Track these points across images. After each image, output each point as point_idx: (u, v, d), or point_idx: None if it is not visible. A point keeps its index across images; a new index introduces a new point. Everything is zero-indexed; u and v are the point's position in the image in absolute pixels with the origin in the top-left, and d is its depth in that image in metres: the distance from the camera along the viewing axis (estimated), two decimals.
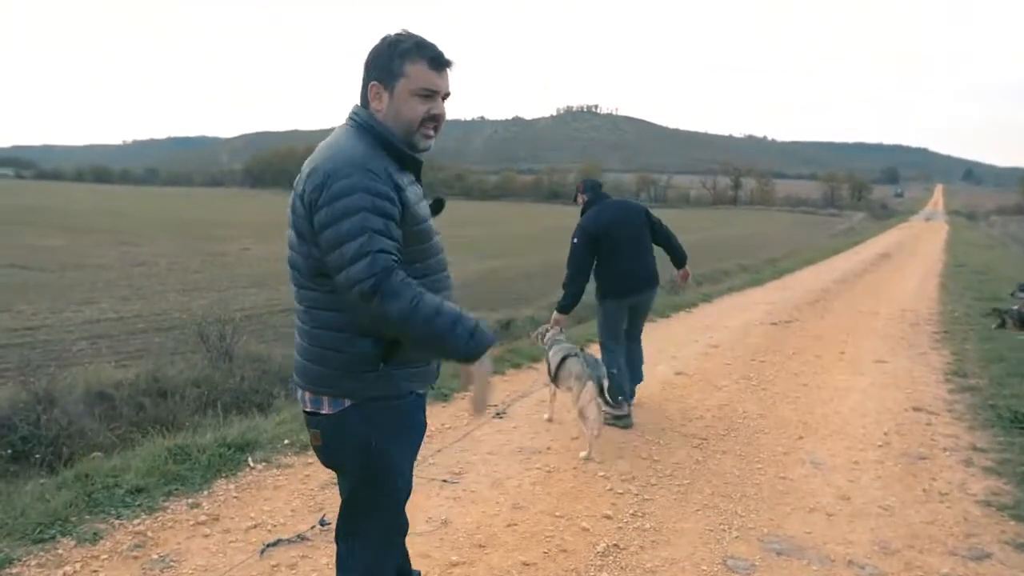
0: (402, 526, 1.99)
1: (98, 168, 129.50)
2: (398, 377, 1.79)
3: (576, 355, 4.28)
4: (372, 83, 1.80)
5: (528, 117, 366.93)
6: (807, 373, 6.18)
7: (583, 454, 4.01)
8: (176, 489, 3.40)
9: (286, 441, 4.06)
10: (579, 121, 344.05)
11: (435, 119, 1.81)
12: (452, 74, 1.83)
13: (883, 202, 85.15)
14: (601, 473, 3.78)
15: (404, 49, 1.77)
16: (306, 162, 1.78)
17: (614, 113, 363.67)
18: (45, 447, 4.94)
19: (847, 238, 32.85)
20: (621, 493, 3.53)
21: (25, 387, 5.25)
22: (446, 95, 1.83)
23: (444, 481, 3.64)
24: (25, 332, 10.42)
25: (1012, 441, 4.37)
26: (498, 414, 4.82)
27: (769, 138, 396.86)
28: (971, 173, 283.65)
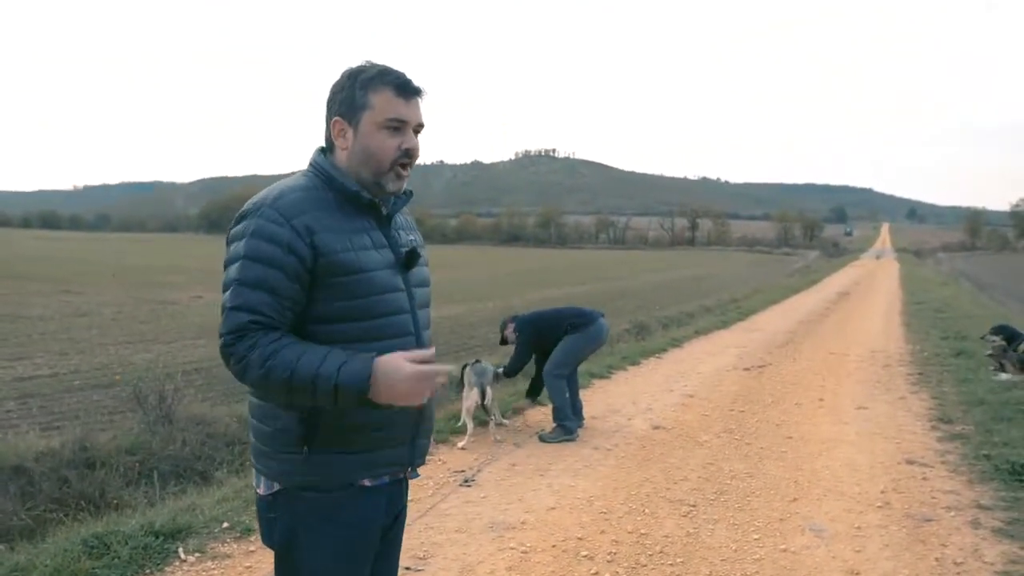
0: None
1: (46, 214, 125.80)
2: (333, 463, 1.53)
3: (471, 365, 5.34)
4: (335, 119, 1.58)
5: (487, 161, 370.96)
6: (789, 424, 5.88)
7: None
8: None
9: (225, 524, 3.55)
10: (537, 165, 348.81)
11: (408, 154, 1.58)
12: (423, 103, 1.61)
13: (834, 240, 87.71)
14: (584, 552, 3.36)
15: (367, 78, 1.55)
16: None
17: (571, 157, 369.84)
18: None
19: (804, 277, 33.37)
20: None
21: None
22: (418, 127, 1.60)
23: (406, 569, 3.18)
24: None
25: (1016, 497, 4.09)
26: (466, 481, 4.38)
27: (722, 179, 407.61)
28: (914, 212, 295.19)
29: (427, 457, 1.74)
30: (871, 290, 23.92)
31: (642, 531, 3.63)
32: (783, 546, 3.46)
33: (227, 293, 1.46)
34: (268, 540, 1.62)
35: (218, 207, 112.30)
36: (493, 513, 3.87)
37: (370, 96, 1.54)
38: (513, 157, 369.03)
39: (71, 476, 5.11)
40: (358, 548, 1.60)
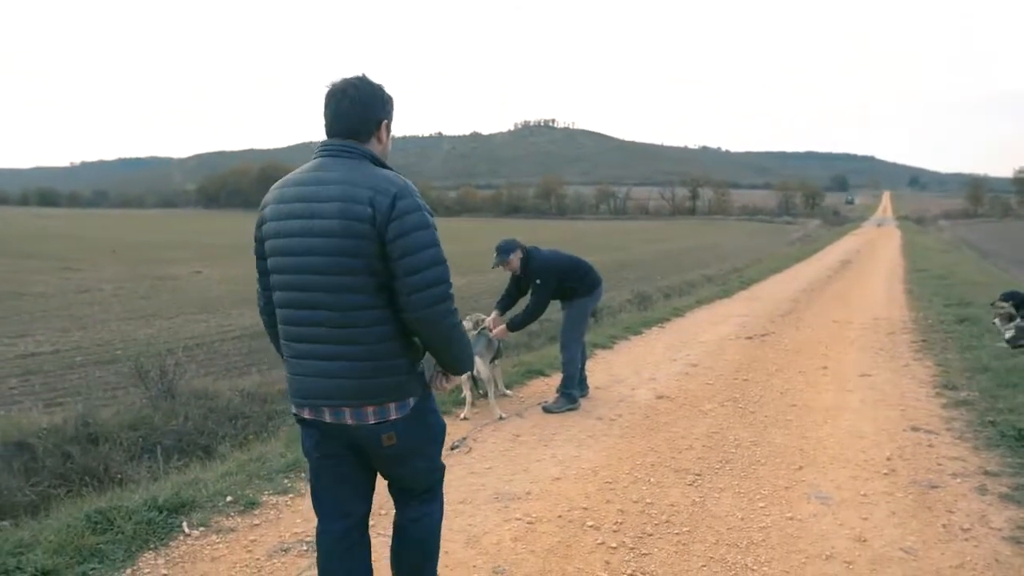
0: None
1: (44, 191, 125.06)
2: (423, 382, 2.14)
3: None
4: (385, 121, 2.08)
5: (486, 132, 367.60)
6: (794, 392, 5.86)
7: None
8: (92, 569, 2.86)
9: (228, 498, 3.54)
10: (536, 135, 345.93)
11: None
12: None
13: (835, 209, 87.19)
14: (590, 522, 3.35)
15: (390, 97, 2.10)
16: (335, 190, 1.92)
17: (571, 127, 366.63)
18: None
19: (806, 245, 33.26)
20: (615, 547, 3.10)
21: None
22: None
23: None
24: None
25: (1022, 462, 4.07)
26: (454, 447, 4.37)
27: (723, 149, 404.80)
28: (916, 179, 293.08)
29: None
30: (873, 258, 23.82)
31: (647, 500, 3.61)
32: (789, 514, 3.45)
33: (434, 250, 1.96)
34: (408, 448, 2.10)
35: (215, 182, 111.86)
36: (498, 484, 3.86)
37: (391, 113, 2.11)
38: (512, 128, 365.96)
39: (74, 452, 5.13)
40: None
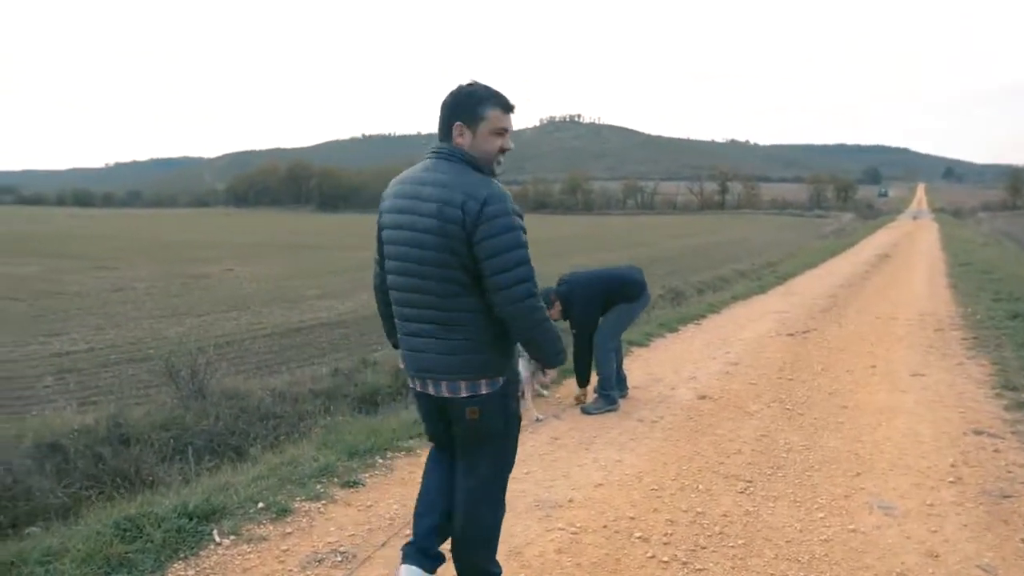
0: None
1: (80, 192, 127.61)
2: (512, 366, 2.38)
3: None
4: (457, 123, 2.23)
5: (512, 128, 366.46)
6: (843, 392, 5.60)
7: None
8: None
9: (260, 505, 3.41)
10: (562, 131, 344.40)
11: (503, 152, 2.29)
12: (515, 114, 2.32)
13: (869, 202, 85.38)
14: (638, 533, 3.16)
15: (483, 97, 2.23)
16: (433, 191, 2.17)
17: (597, 122, 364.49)
18: None
19: (840, 239, 32.53)
20: (666, 561, 2.92)
21: None
22: (510, 131, 2.31)
23: (448, 551, 3.01)
24: None
25: None
26: None
27: (751, 142, 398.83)
28: (951, 171, 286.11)
29: None
30: (911, 252, 23.19)
31: (698, 510, 3.41)
32: (851, 525, 3.23)
33: (520, 251, 2.15)
34: (489, 424, 2.32)
35: (244, 181, 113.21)
36: (538, 490, 3.69)
37: (487, 111, 2.22)
38: (538, 124, 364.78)
39: (106, 453, 5.06)
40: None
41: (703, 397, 5.49)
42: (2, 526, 4.20)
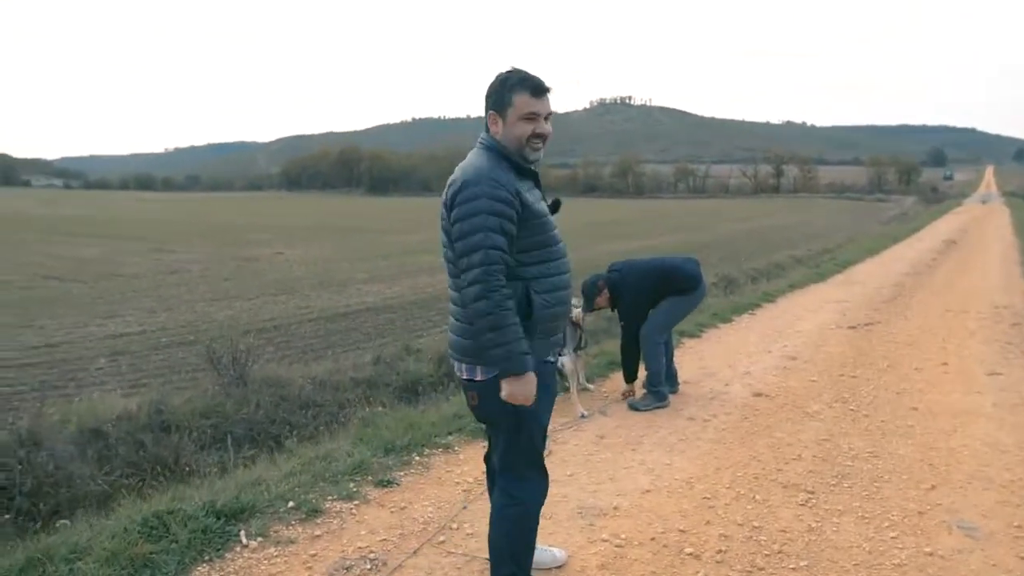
0: (541, 458, 2.47)
1: (141, 176, 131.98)
2: (534, 348, 2.20)
3: None
4: (490, 112, 2.24)
5: (562, 111, 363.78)
6: (912, 392, 5.21)
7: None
8: None
9: (291, 504, 3.28)
10: (613, 113, 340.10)
11: (539, 136, 2.23)
12: (552, 97, 2.24)
13: (933, 185, 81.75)
14: (688, 549, 2.92)
15: (511, 84, 2.19)
16: (450, 177, 2.23)
17: (648, 104, 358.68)
18: (24, 498, 4.29)
19: (902, 224, 31.18)
20: None
21: (5, 427, 4.61)
22: (548, 115, 2.24)
23: (486, 559, 2.82)
24: (46, 350, 9.95)
25: None
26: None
27: (808, 123, 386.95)
28: (1023, 152, 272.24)
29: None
30: (982, 238, 22.01)
31: (754, 523, 3.15)
32: (928, 548, 2.92)
33: (477, 236, 2.09)
34: (487, 412, 2.34)
35: (296, 165, 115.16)
36: (581, 495, 3.47)
37: (515, 97, 2.19)
38: (588, 106, 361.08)
39: (147, 440, 5.04)
40: (550, 405, 2.49)
41: (759, 395, 5.17)
42: (43, 514, 4.19)
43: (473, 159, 2.23)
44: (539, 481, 2.45)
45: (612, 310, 5.26)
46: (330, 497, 3.40)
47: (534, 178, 2.30)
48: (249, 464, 4.59)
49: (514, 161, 2.21)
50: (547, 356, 2.37)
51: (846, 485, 3.56)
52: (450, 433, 4.30)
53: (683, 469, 3.79)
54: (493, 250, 2.08)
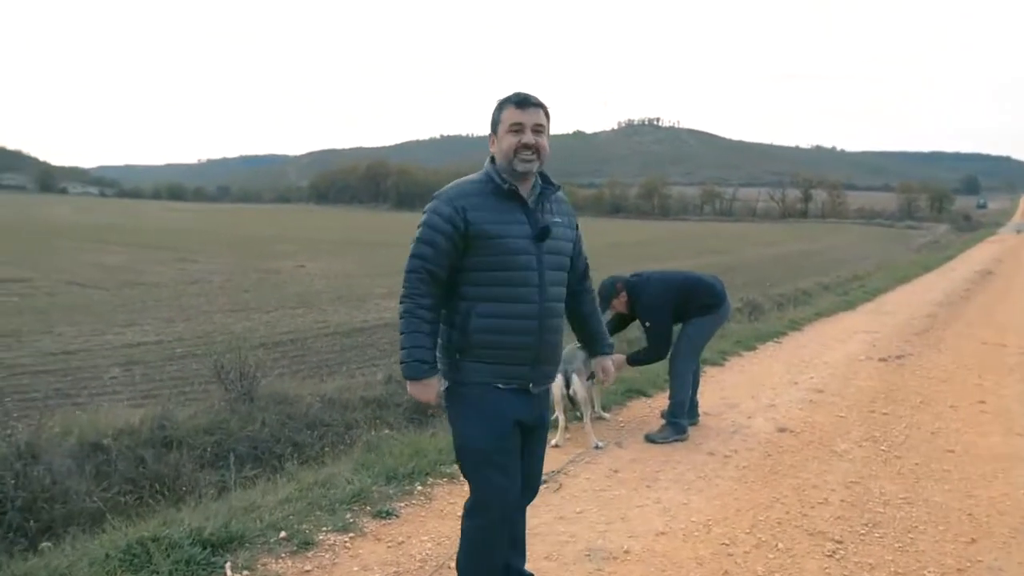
0: (491, 491, 2.31)
1: (174, 186, 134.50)
2: (471, 369, 2.24)
3: (568, 346, 4.42)
4: (490, 135, 2.29)
5: (589, 131, 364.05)
6: (947, 432, 4.92)
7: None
8: None
9: (282, 534, 3.10)
10: (640, 135, 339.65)
11: (526, 147, 2.21)
12: (545, 111, 2.26)
13: (966, 213, 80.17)
14: None
15: (501, 102, 2.26)
16: None
17: (676, 126, 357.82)
18: (17, 513, 4.16)
19: (934, 253, 30.47)
20: None
21: (3, 439, 4.50)
22: (536, 127, 2.22)
23: None
24: (61, 357, 9.95)
25: None
26: (543, 481, 3.80)
27: (838, 148, 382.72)
28: None
29: (548, 382, 2.41)
30: (1018, 268, 21.38)
31: (776, 575, 2.90)
32: None
33: (411, 247, 2.22)
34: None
35: (326, 178, 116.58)
36: (590, 536, 3.25)
37: (502, 113, 2.25)
38: (616, 127, 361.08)
39: (148, 456, 4.91)
40: (497, 427, 2.26)
41: (783, 430, 4.91)
42: (33, 531, 4.07)
43: (468, 176, 2.31)
44: (478, 508, 2.36)
45: (630, 319, 4.98)
46: (324, 528, 3.22)
47: (520, 201, 2.25)
48: (249, 484, 4.45)
49: (499, 185, 2.22)
50: (494, 382, 2.25)
51: (877, 535, 3.29)
52: (455, 462, 4.10)
53: (700, 510, 3.55)
54: (415, 259, 2.20)
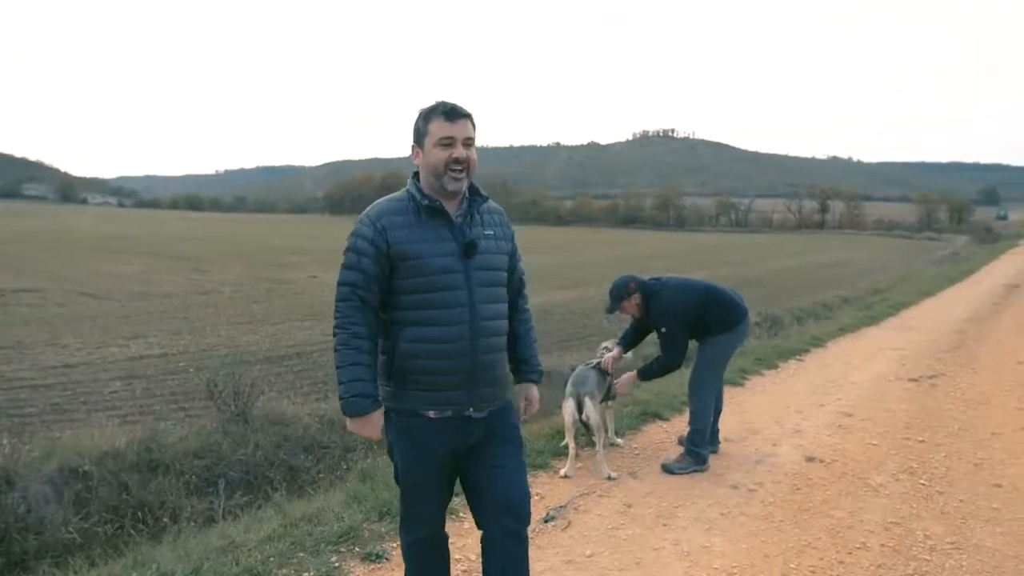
0: (416, 515, 2.31)
1: (191, 196, 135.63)
2: (404, 396, 2.16)
3: (579, 367, 4.53)
4: (413, 146, 2.19)
5: (603, 142, 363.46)
6: (992, 464, 4.53)
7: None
8: None
9: None
10: (655, 145, 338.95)
11: (457, 161, 2.11)
12: (472, 121, 2.15)
13: (986, 225, 78.91)
14: None
15: (426, 113, 2.14)
16: None
17: (691, 137, 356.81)
18: None
19: (956, 265, 29.78)
20: None
21: None
22: (467, 140, 2.13)
23: None
24: (62, 370, 9.75)
25: None
26: (548, 518, 3.47)
27: (855, 159, 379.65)
28: None
29: (493, 404, 2.22)
30: None
31: None
32: None
33: (339, 274, 2.17)
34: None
35: (341, 189, 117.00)
36: None
37: (429, 125, 2.13)
38: (631, 137, 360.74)
39: (131, 482, 4.66)
40: (423, 461, 2.19)
41: (812, 459, 4.54)
42: (5, 566, 3.80)
43: (392, 194, 2.21)
44: (407, 525, 2.34)
45: (646, 329, 4.54)
46: (306, 574, 2.91)
47: (444, 217, 2.14)
48: (237, 513, 4.16)
49: (420, 202, 2.12)
50: (424, 409, 2.14)
51: None
52: (457, 495, 3.78)
53: (724, 554, 3.21)
54: (344, 286, 2.11)
